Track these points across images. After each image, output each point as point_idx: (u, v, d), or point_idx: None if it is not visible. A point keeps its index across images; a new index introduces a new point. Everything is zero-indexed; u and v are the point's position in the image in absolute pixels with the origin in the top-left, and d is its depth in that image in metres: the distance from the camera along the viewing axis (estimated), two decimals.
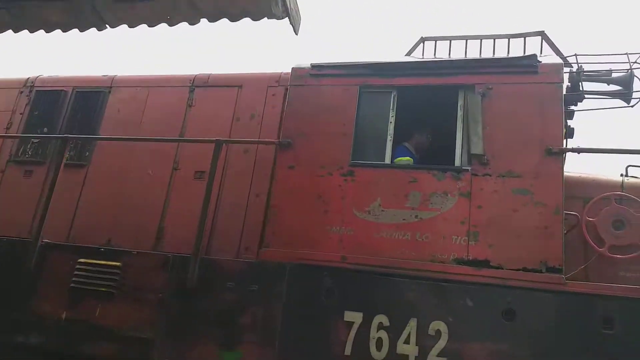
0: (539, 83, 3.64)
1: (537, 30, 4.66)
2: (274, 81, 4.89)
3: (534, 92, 3.63)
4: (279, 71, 5.00)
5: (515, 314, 3.15)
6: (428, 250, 3.43)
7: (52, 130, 5.19)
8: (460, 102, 3.79)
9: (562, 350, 3.03)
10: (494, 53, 4.76)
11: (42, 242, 4.07)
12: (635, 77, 3.82)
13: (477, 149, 3.55)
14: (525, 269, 3.24)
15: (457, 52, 4.93)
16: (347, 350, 3.29)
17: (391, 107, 3.90)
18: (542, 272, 3.21)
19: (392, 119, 3.87)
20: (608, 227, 3.55)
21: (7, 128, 5.43)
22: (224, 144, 4.14)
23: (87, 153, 5.02)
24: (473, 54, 4.83)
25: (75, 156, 5.02)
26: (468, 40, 4.88)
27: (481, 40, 4.84)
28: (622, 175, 4.06)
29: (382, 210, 3.60)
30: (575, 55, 4.04)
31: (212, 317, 3.58)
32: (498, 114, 3.63)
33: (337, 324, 3.36)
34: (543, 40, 4.56)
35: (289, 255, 3.62)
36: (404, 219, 3.54)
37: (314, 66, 4.13)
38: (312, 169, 3.83)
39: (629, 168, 4.09)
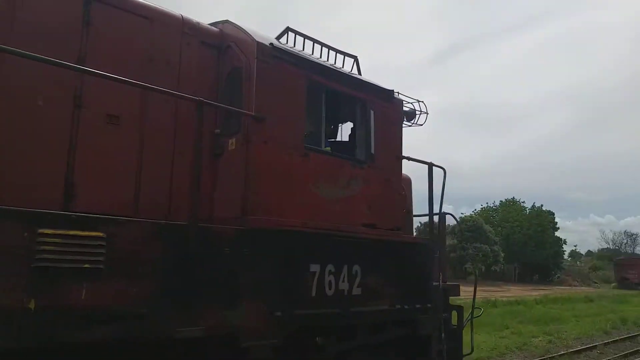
0: (392, 110, 5.69)
1: (354, 54, 6.57)
2: (188, 28, 4.65)
3: (391, 115, 5.66)
4: (189, 16, 4.72)
5: (381, 258, 5.23)
6: (350, 218, 4.94)
7: None
8: (356, 111, 5.34)
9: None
10: (327, 59, 6.31)
11: None
12: (416, 114, 6.45)
13: (370, 149, 5.27)
14: (391, 230, 5.36)
15: (306, 48, 6.14)
16: (313, 292, 4.42)
17: (323, 104, 4.95)
18: (396, 230, 5.43)
19: (324, 115, 4.94)
20: None
21: None
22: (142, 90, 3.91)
23: None
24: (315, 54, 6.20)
25: None
26: (315, 44, 6.18)
27: (322, 47, 6.25)
28: None
29: (325, 188, 4.76)
30: (398, 92, 6.25)
31: (215, 282, 3.74)
32: (376, 125, 5.44)
33: (305, 275, 4.39)
34: (355, 64, 6.52)
35: (271, 222, 4.20)
36: (338, 195, 4.86)
37: (275, 48, 4.50)
38: (280, 147, 4.41)
39: None
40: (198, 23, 4.73)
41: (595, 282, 56.61)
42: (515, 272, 54.97)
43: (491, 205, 61.91)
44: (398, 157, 5.63)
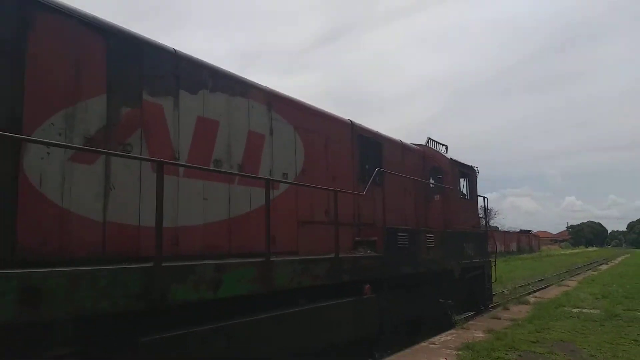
0: (474, 174, 13.00)
1: (445, 143, 13.68)
2: (420, 153, 11.49)
3: (473, 177, 12.96)
4: (419, 148, 11.54)
5: (476, 239, 12.57)
6: (468, 224, 12.18)
7: (370, 163, 9.29)
8: (465, 178, 12.55)
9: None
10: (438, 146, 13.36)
11: (420, 228, 9.48)
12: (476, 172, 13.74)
13: (469, 193, 12.54)
14: (477, 227, 12.70)
15: (431, 144, 13.12)
16: (465, 254, 11.62)
17: (459, 177, 12.07)
18: (477, 227, 12.80)
19: (459, 181, 12.08)
20: None
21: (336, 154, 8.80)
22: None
23: (381, 178, 9.68)
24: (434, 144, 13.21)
25: (378, 179, 9.59)
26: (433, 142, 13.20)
27: (430, 141, 13.26)
28: None
29: (462, 211, 11.94)
30: (477, 167, 13.49)
31: (449, 251, 10.77)
32: (470, 183, 12.70)
33: (463, 247, 11.56)
34: (446, 149, 13.67)
35: (455, 229, 11.29)
36: (464, 215, 12.08)
37: (452, 160, 11.53)
38: (457, 198, 11.49)
39: None
40: (420, 150, 11.53)
41: None
42: None
43: None
44: (476, 195, 12.99)
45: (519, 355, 7.13)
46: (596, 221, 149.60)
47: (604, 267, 34.47)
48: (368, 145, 9.41)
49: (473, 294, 13.15)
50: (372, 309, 7.78)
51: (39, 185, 4.16)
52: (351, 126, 8.99)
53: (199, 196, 5.70)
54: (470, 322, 10.23)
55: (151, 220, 4.43)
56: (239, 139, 6.41)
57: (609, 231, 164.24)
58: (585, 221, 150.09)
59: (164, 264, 4.35)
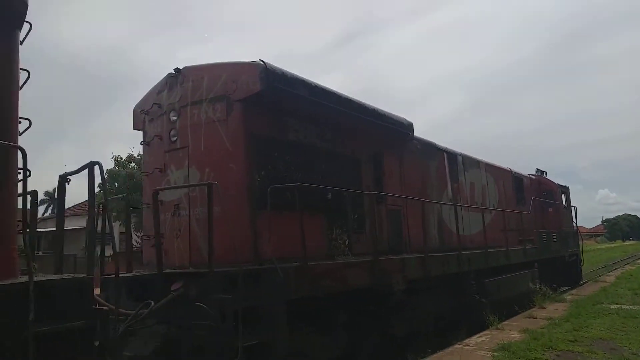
0: (569, 192, 19.06)
1: (544, 169, 19.75)
2: (534, 181, 17.66)
3: (568, 193, 19.02)
4: (532, 177, 17.72)
5: (572, 236, 18.62)
6: (566, 226, 18.28)
7: (518, 192, 15.50)
8: (565, 193, 18.66)
9: None
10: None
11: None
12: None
13: (565, 204, 18.65)
14: (571, 228, 18.80)
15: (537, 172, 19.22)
16: (553, 247, 17.72)
17: (563, 194, 18.19)
18: (571, 228, 18.88)
19: (562, 195, 18.21)
20: None
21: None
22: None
23: (532, 201, 15.85)
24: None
25: (528, 202, 15.81)
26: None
27: (538, 170, 19.35)
28: None
29: (563, 217, 18.06)
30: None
31: (548, 246, 16.86)
32: (566, 197, 18.78)
33: (562, 242, 17.67)
34: (548, 174, 19.76)
35: (560, 229, 17.41)
36: (565, 219, 18.22)
37: (560, 185, 17.64)
38: (561, 210, 17.62)
39: None
40: (537, 179, 17.68)
41: None
42: None
43: None
44: (570, 206, 19.06)
45: (557, 355, 6.94)
46: (632, 214, 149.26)
47: None
48: (517, 182, 15.66)
49: (570, 273, 19.25)
50: (536, 276, 14.06)
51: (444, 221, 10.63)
52: (511, 171, 15.29)
53: (475, 219, 12.13)
54: (505, 323, 9.71)
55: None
56: (479, 189, 12.79)
57: None
58: (620, 214, 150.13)
59: (488, 250, 10.80)
